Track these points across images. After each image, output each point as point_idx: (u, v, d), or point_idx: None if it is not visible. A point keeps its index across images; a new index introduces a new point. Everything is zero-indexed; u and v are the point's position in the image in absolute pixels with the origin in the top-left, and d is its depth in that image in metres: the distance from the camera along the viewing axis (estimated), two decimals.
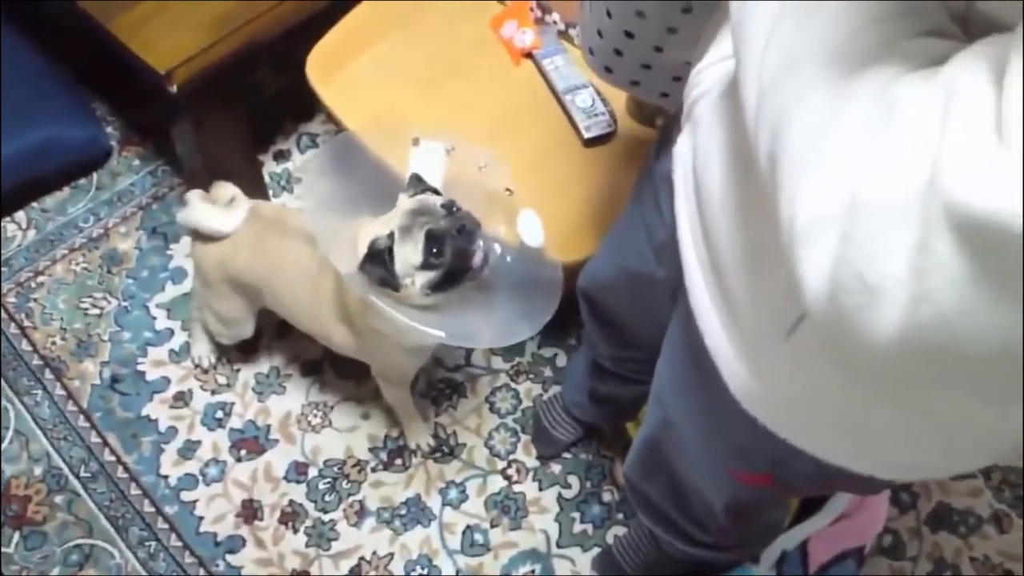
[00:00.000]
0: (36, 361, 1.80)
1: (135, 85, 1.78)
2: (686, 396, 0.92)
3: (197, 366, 1.80)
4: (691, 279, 0.79)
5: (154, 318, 1.86)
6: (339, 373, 1.80)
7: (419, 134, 1.45)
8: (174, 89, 1.59)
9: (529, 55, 1.71)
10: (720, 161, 0.74)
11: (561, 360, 1.84)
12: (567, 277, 1.79)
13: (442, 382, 1.81)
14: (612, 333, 1.33)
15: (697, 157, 0.79)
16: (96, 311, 1.87)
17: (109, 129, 2.10)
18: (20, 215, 1.98)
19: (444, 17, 1.78)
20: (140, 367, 1.80)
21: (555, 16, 1.73)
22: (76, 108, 2.02)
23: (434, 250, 1.26)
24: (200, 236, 1.56)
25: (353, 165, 1.43)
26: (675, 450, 1.02)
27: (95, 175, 2.04)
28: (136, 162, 2.06)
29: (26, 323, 1.84)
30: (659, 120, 1.63)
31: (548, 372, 1.83)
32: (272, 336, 1.84)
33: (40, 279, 1.90)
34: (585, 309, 1.37)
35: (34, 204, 1.99)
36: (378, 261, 1.27)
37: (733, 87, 0.76)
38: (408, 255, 1.27)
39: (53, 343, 1.82)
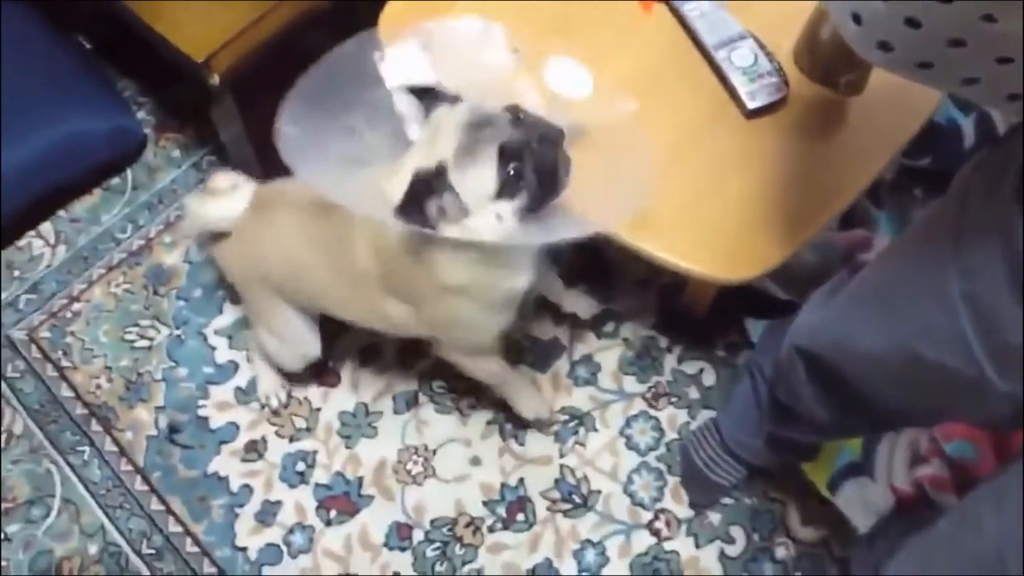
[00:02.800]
0: (80, 410, 1.51)
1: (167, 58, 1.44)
2: None
3: (265, 406, 1.49)
4: None
5: (213, 348, 1.55)
6: (440, 407, 1.49)
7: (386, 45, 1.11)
8: (215, 80, 1.25)
9: (664, 0, 1.32)
10: None
11: (708, 377, 1.50)
12: (723, 294, 1.43)
13: (564, 412, 1.48)
14: (844, 404, 1.00)
15: None
16: (144, 343, 1.56)
17: (141, 114, 1.77)
18: (47, 228, 1.67)
19: None
20: (202, 411, 1.50)
21: None
22: (99, 92, 1.68)
23: (511, 171, 0.96)
24: (214, 237, 1.31)
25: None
26: None
27: (129, 172, 1.71)
28: (176, 152, 1.73)
29: (64, 363, 1.55)
30: (843, 78, 1.23)
31: (694, 393, 1.49)
32: (355, 365, 1.52)
33: (76, 307, 1.59)
34: (803, 370, 1.02)
35: (62, 213, 1.68)
36: (422, 195, 0.96)
37: None
38: (477, 183, 0.97)
39: (98, 386, 1.53)
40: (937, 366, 0.78)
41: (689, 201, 1.21)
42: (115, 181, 1.70)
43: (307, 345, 1.38)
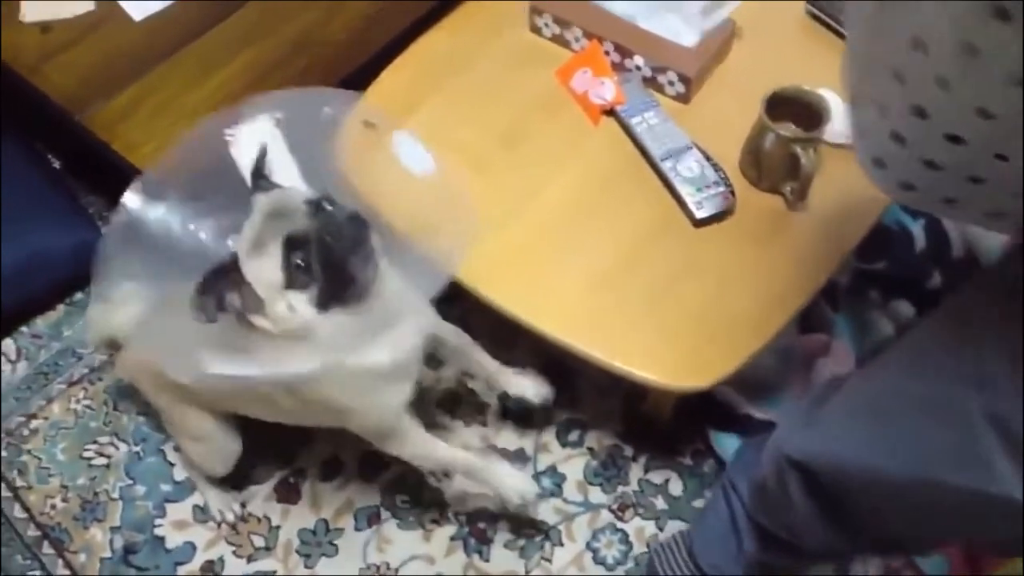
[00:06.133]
0: (32, 532, 1.47)
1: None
2: None
3: (221, 523, 1.46)
4: None
5: (172, 465, 1.52)
6: (402, 523, 1.45)
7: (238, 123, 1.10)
8: None
9: (611, 112, 1.35)
10: None
11: (675, 487, 1.47)
12: (686, 400, 1.42)
13: (528, 525, 1.44)
14: (842, 523, 0.97)
15: None
16: (102, 461, 1.53)
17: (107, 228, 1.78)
18: (7, 344, 1.66)
19: (495, 73, 1.43)
20: (159, 531, 1.47)
21: (639, 60, 1.37)
22: (64, 208, 1.70)
23: (299, 263, 0.94)
24: (114, 345, 1.28)
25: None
26: None
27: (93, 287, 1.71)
28: None
29: (19, 483, 1.51)
30: (788, 186, 1.25)
31: (661, 503, 1.46)
32: (315, 480, 1.49)
33: (34, 424, 1.57)
34: (798, 485, 1.00)
35: (23, 329, 1.67)
36: (212, 286, 0.94)
37: None
38: (265, 274, 0.95)
39: (52, 506, 1.49)
40: (959, 489, 0.76)
41: (641, 309, 1.21)
42: (78, 296, 1.70)
43: (228, 442, 1.34)
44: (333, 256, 0.95)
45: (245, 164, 1.05)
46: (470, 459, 1.27)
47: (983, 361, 0.74)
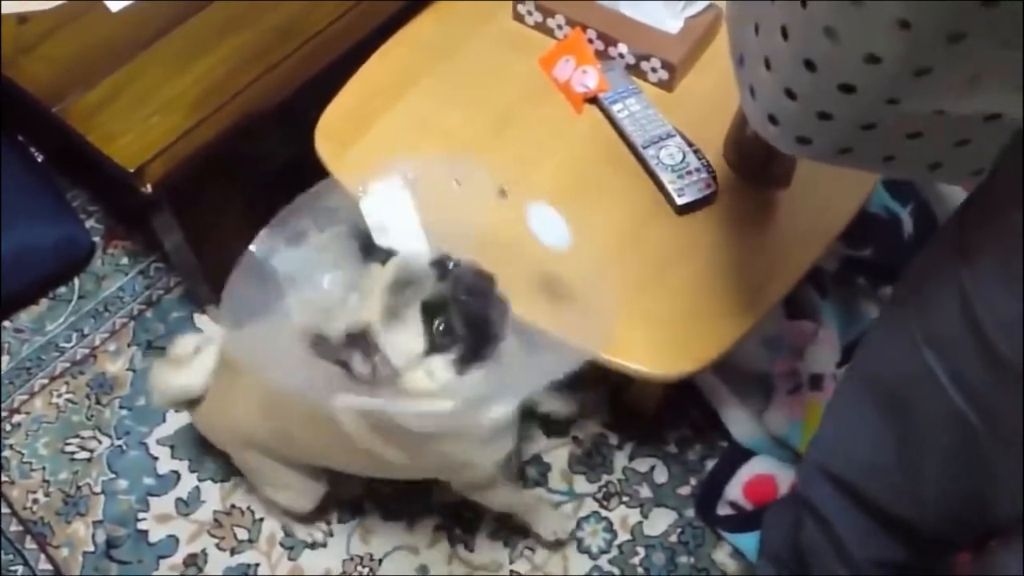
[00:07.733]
0: (15, 527, 1.46)
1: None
2: None
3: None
4: None
5: (155, 458, 1.51)
6: (385, 514, 1.44)
7: (371, 179, 1.06)
8: (148, 189, 1.25)
9: (593, 100, 1.34)
10: None
11: (660, 475, 1.46)
12: (669, 391, 1.42)
13: (512, 516, 1.44)
14: (893, 529, 0.97)
15: None
16: (84, 455, 1.52)
17: (91, 222, 1.77)
18: None
19: (479, 61, 1.42)
20: (141, 525, 1.46)
21: (622, 47, 1.35)
22: (47, 203, 1.69)
23: (439, 326, 0.92)
24: (187, 405, 1.23)
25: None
26: None
27: (76, 280, 1.70)
28: (124, 260, 1.73)
29: (2, 478, 1.50)
30: (771, 171, 1.24)
31: (646, 491, 1.45)
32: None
33: (16, 419, 1.56)
34: (840, 502, 1.01)
35: (6, 323, 1.66)
36: (358, 353, 0.91)
37: None
38: (405, 344, 0.92)
39: (35, 501, 1.48)
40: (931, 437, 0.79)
41: (624, 297, 1.20)
42: (62, 290, 1.69)
43: (311, 483, 1.32)
44: (474, 314, 0.94)
45: (372, 221, 1.03)
46: (530, 499, 1.38)
47: (926, 323, 0.75)
